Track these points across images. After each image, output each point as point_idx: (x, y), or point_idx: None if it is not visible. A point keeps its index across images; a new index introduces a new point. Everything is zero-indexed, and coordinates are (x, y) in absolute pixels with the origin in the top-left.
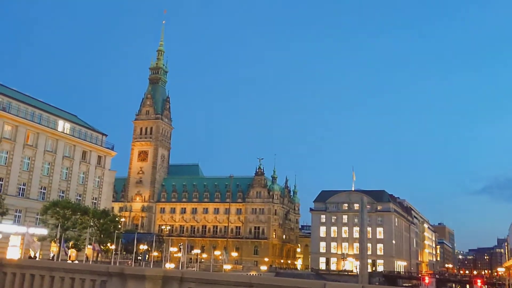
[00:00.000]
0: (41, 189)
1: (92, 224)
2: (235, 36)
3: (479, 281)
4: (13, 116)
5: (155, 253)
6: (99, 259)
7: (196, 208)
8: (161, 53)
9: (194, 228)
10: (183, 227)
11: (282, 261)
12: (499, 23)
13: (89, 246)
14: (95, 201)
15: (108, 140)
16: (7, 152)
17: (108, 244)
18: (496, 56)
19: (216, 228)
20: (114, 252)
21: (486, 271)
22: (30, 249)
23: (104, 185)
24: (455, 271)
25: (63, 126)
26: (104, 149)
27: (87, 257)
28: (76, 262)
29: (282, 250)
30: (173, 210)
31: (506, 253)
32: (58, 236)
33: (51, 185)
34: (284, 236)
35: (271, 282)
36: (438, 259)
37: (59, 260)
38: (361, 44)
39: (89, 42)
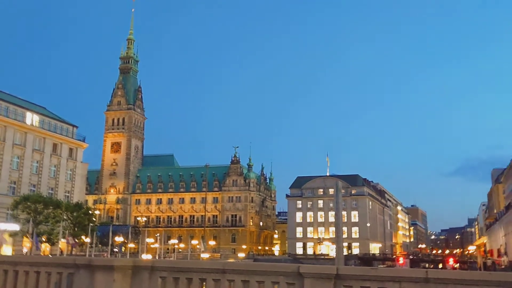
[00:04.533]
0: (11, 183)
1: (65, 217)
2: (207, 23)
3: (451, 259)
4: None
5: (132, 245)
6: (73, 252)
7: (172, 199)
8: (131, 42)
9: (171, 218)
10: (160, 218)
11: (259, 247)
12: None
13: (62, 240)
14: (68, 194)
15: (79, 132)
16: None
17: (83, 237)
18: (474, 43)
19: (193, 218)
20: (89, 245)
21: (457, 250)
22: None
23: (77, 178)
24: (428, 251)
25: (31, 118)
26: (75, 141)
27: (61, 251)
28: (50, 256)
29: (259, 237)
30: (148, 201)
31: (476, 232)
32: (30, 231)
33: (21, 179)
34: (261, 223)
35: (244, 267)
36: (412, 240)
37: (32, 255)
38: (337, 34)
39: (56, 31)
